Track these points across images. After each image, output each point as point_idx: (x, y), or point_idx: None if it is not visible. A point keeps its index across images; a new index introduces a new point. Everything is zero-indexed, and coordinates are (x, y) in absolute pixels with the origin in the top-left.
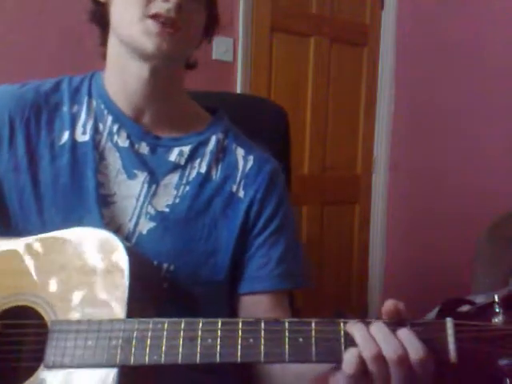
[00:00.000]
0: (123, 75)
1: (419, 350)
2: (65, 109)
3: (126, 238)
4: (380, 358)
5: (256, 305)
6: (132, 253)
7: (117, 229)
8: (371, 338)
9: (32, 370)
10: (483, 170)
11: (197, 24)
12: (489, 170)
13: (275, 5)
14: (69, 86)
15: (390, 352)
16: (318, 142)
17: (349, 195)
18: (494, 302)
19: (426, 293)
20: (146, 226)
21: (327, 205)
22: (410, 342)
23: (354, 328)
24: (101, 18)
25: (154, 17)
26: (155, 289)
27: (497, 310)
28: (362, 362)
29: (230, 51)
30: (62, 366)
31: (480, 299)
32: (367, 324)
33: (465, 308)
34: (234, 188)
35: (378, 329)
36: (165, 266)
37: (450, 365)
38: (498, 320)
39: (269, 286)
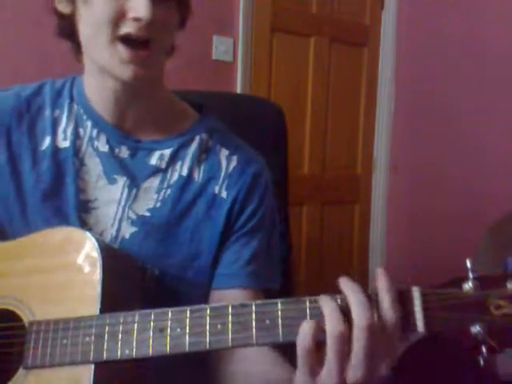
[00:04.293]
0: (99, 88)
1: (391, 313)
2: (47, 113)
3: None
4: (344, 334)
5: (227, 301)
6: (109, 250)
7: (99, 234)
8: (339, 310)
9: (12, 372)
10: (483, 170)
11: (171, 29)
12: (489, 170)
13: (275, 5)
14: (51, 89)
15: (360, 315)
16: (317, 142)
17: (349, 195)
18: (466, 267)
19: None
20: (127, 230)
21: (327, 205)
22: (385, 308)
23: (324, 301)
24: (69, 32)
25: (125, 39)
26: (139, 288)
27: (470, 276)
28: (316, 336)
29: (230, 51)
30: (41, 367)
31: None
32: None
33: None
34: (217, 189)
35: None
36: (149, 268)
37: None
38: (468, 286)
39: (238, 282)
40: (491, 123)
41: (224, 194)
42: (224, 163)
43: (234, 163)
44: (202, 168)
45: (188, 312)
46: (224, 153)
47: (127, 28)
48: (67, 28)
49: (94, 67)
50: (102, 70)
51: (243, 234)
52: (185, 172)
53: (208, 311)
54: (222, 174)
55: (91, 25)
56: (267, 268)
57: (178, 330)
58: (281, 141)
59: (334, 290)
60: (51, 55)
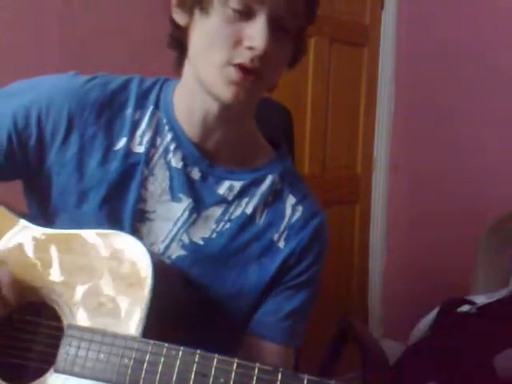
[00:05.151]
0: (191, 104)
1: None
2: (128, 112)
3: None
4: None
5: (256, 350)
6: (162, 269)
7: (148, 246)
8: None
9: (42, 371)
10: (483, 170)
11: (281, 65)
12: (489, 170)
13: None
14: (138, 87)
15: None
16: (317, 142)
17: (349, 195)
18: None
19: (426, 293)
20: (176, 252)
21: (327, 205)
22: None
23: None
24: (179, 43)
25: (238, 65)
26: (180, 313)
27: None
28: None
29: None
30: (72, 374)
31: (480, 299)
32: None
33: (465, 308)
34: (276, 237)
35: None
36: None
37: None
38: None
39: (270, 335)
40: (491, 123)
41: (282, 244)
42: (288, 212)
43: (298, 214)
44: (266, 211)
45: (235, 365)
46: (291, 201)
47: (241, 58)
48: (179, 39)
49: (194, 82)
50: (203, 86)
51: (290, 287)
52: (249, 210)
53: (256, 371)
54: (285, 222)
55: (206, 42)
56: (300, 327)
57: (222, 380)
58: (288, 142)
59: (334, 290)
60: (52, 55)
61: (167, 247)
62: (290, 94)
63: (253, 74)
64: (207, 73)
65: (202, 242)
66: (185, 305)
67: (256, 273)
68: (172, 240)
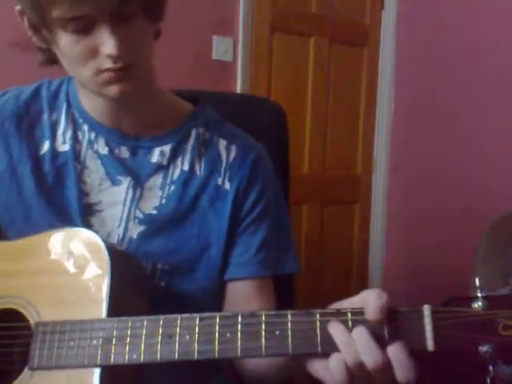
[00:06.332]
0: (91, 99)
1: (403, 362)
2: (45, 117)
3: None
4: (361, 364)
5: (239, 292)
6: (115, 252)
7: (106, 236)
8: (352, 342)
9: (17, 373)
10: (483, 170)
11: (147, 39)
12: (489, 170)
13: (275, 5)
14: (47, 91)
15: (370, 362)
16: (318, 142)
17: (349, 195)
18: (475, 285)
19: (426, 293)
20: (135, 230)
21: (327, 205)
22: (394, 356)
23: (334, 329)
24: (51, 61)
25: (107, 70)
26: (146, 288)
27: (478, 295)
28: (347, 367)
29: (230, 51)
30: (47, 368)
31: None
32: (345, 322)
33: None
34: (220, 181)
35: (359, 334)
36: (159, 266)
37: (429, 353)
38: (477, 305)
39: (248, 272)
40: (491, 123)
41: (227, 185)
42: (224, 154)
43: (233, 153)
44: (203, 161)
45: (197, 319)
46: (222, 143)
47: (106, 64)
48: (48, 58)
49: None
50: (91, 91)
51: (250, 223)
52: (186, 167)
53: (217, 319)
54: (223, 165)
55: (68, 63)
56: (279, 253)
57: (187, 337)
58: (282, 139)
59: (334, 290)
60: None
61: (125, 229)
62: (290, 94)
63: (125, 69)
64: (85, 83)
65: (155, 212)
66: (151, 279)
67: (215, 220)
68: (127, 221)
